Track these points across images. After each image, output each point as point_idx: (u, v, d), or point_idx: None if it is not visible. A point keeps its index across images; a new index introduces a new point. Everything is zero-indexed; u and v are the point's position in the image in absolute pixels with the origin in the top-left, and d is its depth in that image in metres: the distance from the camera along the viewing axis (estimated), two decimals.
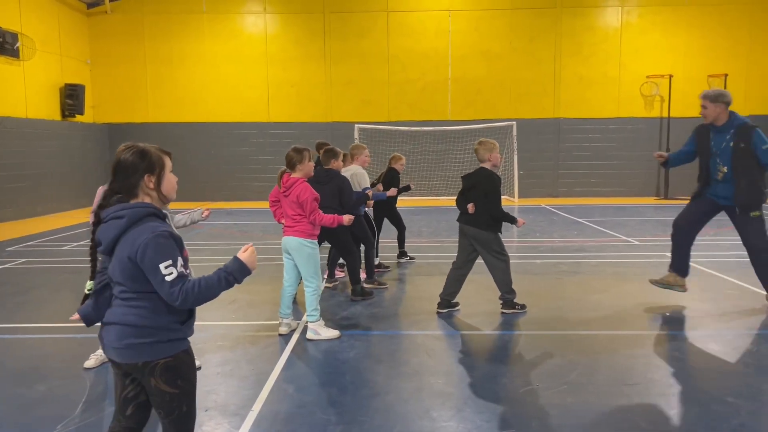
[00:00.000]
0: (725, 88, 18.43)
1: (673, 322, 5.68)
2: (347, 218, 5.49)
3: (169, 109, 19.35)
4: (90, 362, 4.66)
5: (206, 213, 5.16)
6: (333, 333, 5.36)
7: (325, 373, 4.55)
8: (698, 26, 18.90)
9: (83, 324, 2.53)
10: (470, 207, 5.84)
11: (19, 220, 14.73)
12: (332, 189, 6.17)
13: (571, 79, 19.19)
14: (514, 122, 18.34)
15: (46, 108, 16.50)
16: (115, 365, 2.50)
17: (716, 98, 5.73)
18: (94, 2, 18.77)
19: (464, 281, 6.12)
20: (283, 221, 5.50)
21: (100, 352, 4.72)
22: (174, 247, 2.36)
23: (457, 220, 6.08)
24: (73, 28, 18.12)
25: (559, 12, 19.06)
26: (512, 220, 5.84)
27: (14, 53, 14.83)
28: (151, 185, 2.45)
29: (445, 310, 6.11)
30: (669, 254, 8.93)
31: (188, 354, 2.51)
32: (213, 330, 5.62)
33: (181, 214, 5.01)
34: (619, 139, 19.29)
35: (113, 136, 19.24)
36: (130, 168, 2.42)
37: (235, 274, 2.44)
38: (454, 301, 6.19)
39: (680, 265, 6.23)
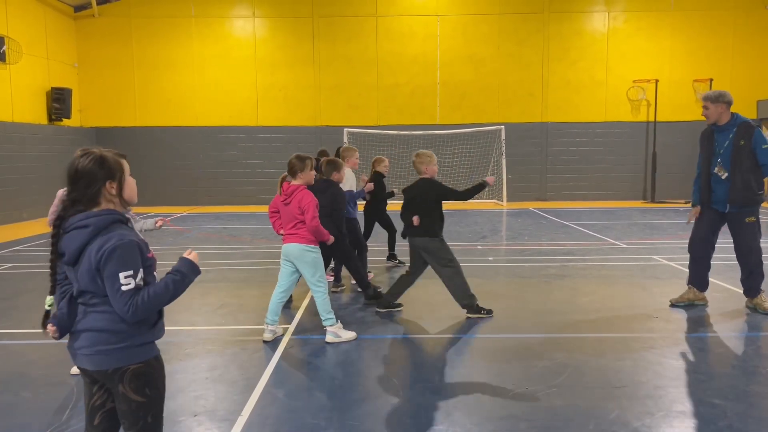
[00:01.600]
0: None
1: (660, 325, 5.72)
2: (331, 239, 5.53)
3: (157, 112, 19.25)
4: (76, 368, 4.61)
5: (159, 223, 5.09)
6: (350, 334, 5.39)
7: (314, 377, 4.54)
8: (683, 31, 19.11)
9: (57, 335, 2.44)
10: (415, 219, 5.94)
11: (5, 225, 14.58)
12: (327, 198, 6.17)
13: (559, 83, 19.32)
14: (503, 126, 18.44)
15: (32, 112, 16.36)
16: (84, 373, 2.45)
17: (717, 98, 5.84)
18: (82, 5, 18.66)
19: (410, 286, 6.24)
20: (281, 232, 5.49)
21: None
22: (138, 257, 2.32)
23: (402, 235, 6.20)
24: (60, 32, 18.00)
25: (547, 17, 19.19)
26: (480, 186, 5.94)
27: (0, 57, 14.71)
28: (113, 191, 2.38)
29: (384, 310, 6.19)
30: (657, 257, 9.05)
31: (158, 361, 2.47)
32: (202, 334, 5.60)
33: (140, 218, 4.96)
34: (606, 143, 19.45)
35: (101, 140, 19.11)
36: (90, 176, 2.34)
37: (186, 272, 2.42)
38: (397, 302, 6.27)
39: (698, 279, 6.28)
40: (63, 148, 17.50)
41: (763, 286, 6.12)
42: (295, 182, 5.32)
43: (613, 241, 10.78)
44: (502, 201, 18.26)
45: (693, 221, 6.25)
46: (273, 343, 5.30)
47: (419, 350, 5.15)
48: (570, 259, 9.12)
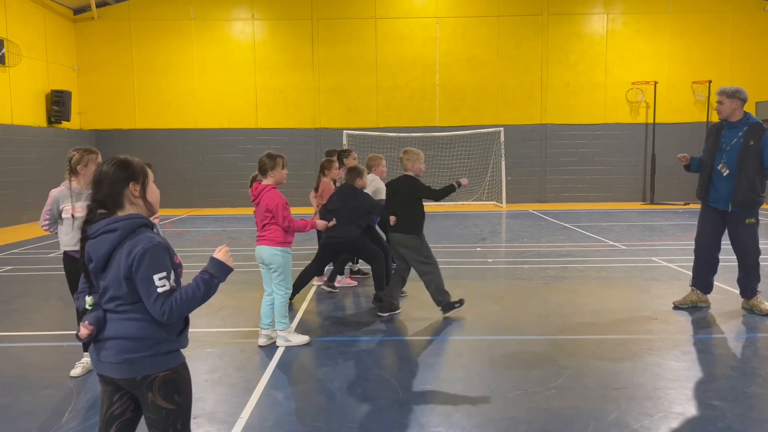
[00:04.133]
0: (709, 94, 18.70)
1: (659, 327, 5.72)
2: (321, 223, 5.50)
3: (156, 115, 19.26)
4: (76, 371, 4.62)
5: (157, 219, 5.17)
6: (302, 338, 5.35)
7: (313, 380, 4.54)
8: (681, 33, 19.14)
9: (88, 335, 2.36)
10: (392, 219, 6.03)
11: (4, 228, 14.58)
12: (355, 204, 6.27)
13: (558, 85, 19.35)
14: (502, 128, 18.46)
15: (32, 114, 16.37)
16: (105, 381, 2.42)
17: (733, 94, 5.79)
18: (81, 8, 18.68)
19: (404, 284, 6.30)
20: None
21: (85, 360, 4.69)
22: (168, 259, 2.35)
23: (387, 230, 6.32)
24: (59, 35, 18.01)
25: (546, 19, 19.22)
26: (453, 187, 5.97)
27: (0, 60, 14.72)
28: (137, 193, 2.43)
29: (387, 314, 6.20)
30: (656, 258, 9.05)
31: (186, 368, 2.47)
32: (201, 337, 5.59)
33: None
34: (605, 145, 19.46)
35: (100, 142, 19.12)
36: (113, 178, 2.39)
37: (214, 272, 2.41)
38: (397, 302, 6.30)
39: (703, 282, 6.27)
40: (62, 151, 17.37)
41: (760, 288, 6.13)
42: (265, 181, 5.27)
43: (612, 243, 10.78)
44: (502, 203, 18.27)
45: (682, 162, 6.19)
46: (272, 345, 5.30)
47: (418, 352, 5.15)
48: (569, 261, 9.13)
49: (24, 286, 8.04)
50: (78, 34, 18.94)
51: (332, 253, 6.74)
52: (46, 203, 4.65)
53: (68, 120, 17.52)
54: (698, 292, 6.30)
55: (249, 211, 17.75)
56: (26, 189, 15.67)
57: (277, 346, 5.26)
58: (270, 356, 5.04)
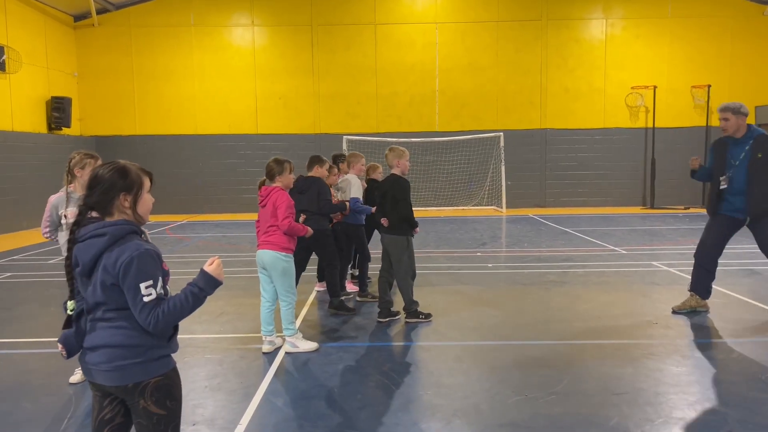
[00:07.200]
0: (708, 98, 18.73)
1: (660, 332, 5.71)
2: (309, 233, 5.47)
3: (156, 121, 19.30)
4: (75, 377, 4.61)
5: None
6: (311, 345, 5.33)
7: (313, 385, 4.53)
8: (681, 38, 19.19)
9: (65, 355, 2.41)
10: (384, 221, 6.09)
11: (4, 234, 14.58)
12: (311, 195, 6.21)
13: (557, 90, 19.38)
14: (501, 133, 18.49)
15: (32, 121, 16.40)
16: (96, 387, 2.41)
17: (738, 110, 5.83)
18: (81, 15, 18.74)
19: (391, 287, 6.28)
20: None
21: None
22: (157, 266, 2.32)
23: (378, 230, 6.38)
24: (59, 41, 18.07)
25: (545, 24, 19.27)
26: (412, 225, 6.05)
27: (0, 66, 14.76)
28: (127, 204, 2.38)
29: (386, 320, 6.19)
30: (656, 263, 9.05)
31: (176, 373, 2.46)
32: (200, 343, 5.59)
33: None
34: (604, 150, 19.49)
35: (100, 148, 19.12)
36: (107, 184, 2.35)
37: (203, 286, 2.38)
38: (395, 309, 6.27)
39: (702, 287, 6.25)
40: (63, 157, 17.35)
41: None
42: (273, 185, 5.31)
43: (612, 248, 10.78)
44: (502, 208, 18.27)
45: (692, 166, 6.22)
46: (272, 352, 5.29)
47: (418, 357, 5.14)
48: (569, 266, 9.12)
49: (24, 292, 8.04)
50: (78, 41, 18.99)
51: (303, 251, 6.36)
52: (45, 209, 4.65)
53: (68, 126, 17.56)
54: (697, 297, 6.29)
55: (249, 216, 17.80)
56: (26, 195, 15.67)
57: (286, 353, 5.24)
58: (270, 362, 5.03)
